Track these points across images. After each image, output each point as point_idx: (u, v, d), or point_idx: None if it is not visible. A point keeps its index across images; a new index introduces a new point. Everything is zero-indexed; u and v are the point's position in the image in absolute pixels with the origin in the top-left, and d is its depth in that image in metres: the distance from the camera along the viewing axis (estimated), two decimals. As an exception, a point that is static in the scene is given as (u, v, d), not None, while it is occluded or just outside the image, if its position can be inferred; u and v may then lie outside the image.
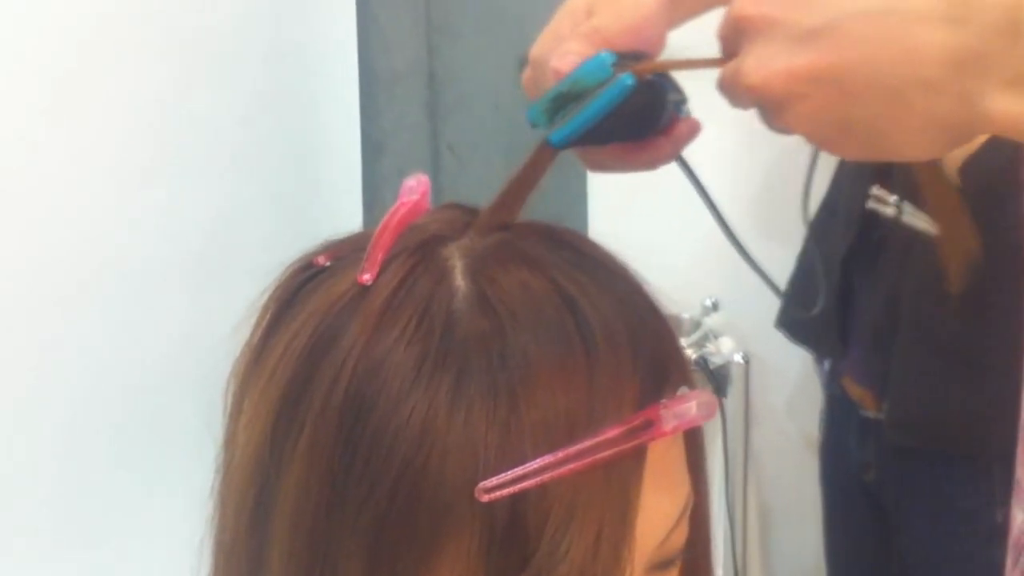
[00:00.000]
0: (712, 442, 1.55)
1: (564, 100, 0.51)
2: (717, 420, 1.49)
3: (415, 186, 0.50)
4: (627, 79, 0.49)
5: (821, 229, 1.47)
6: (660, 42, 0.53)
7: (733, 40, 0.49)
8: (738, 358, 1.48)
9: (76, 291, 1.23)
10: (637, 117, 0.52)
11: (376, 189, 2.45)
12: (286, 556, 0.43)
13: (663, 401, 0.43)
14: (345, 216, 1.99)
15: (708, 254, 1.71)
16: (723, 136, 1.76)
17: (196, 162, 1.54)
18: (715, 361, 1.50)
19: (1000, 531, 1.34)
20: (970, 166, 1.21)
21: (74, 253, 1.23)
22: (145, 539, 1.29)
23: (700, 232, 1.70)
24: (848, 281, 1.40)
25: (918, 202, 1.30)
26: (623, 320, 0.44)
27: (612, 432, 0.41)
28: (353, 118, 2.18)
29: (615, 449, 0.41)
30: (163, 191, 1.45)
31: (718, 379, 1.47)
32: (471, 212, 0.49)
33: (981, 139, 1.20)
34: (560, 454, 0.40)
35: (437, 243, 0.46)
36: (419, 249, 0.45)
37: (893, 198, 1.32)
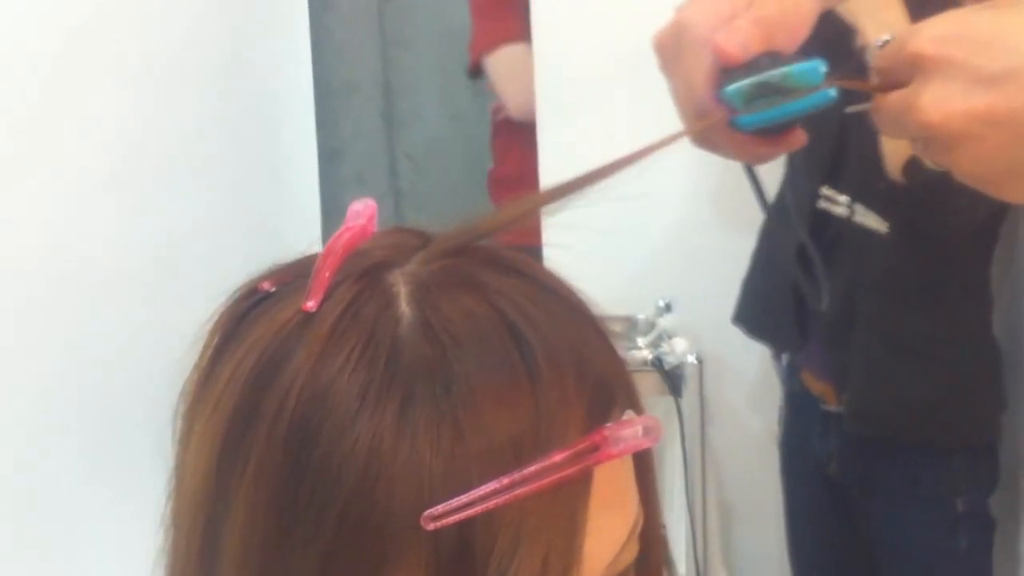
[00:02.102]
0: (670, 443, 1.55)
1: (766, 90, 0.52)
2: (674, 421, 1.49)
3: (362, 210, 0.49)
4: (831, 93, 0.51)
5: (774, 227, 1.47)
6: (804, 38, 0.56)
7: (903, 73, 0.51)
8: (692, 359, 1.48)
9: (35, 299, 1.22)
10: (805, 119, 0.54)
11: (334, 196, 2.44)
12: None
13: (609, 425, 0.43)
14: (303, 223, 1.98)
15: (661, 255, 1.72)
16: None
17: (153, 173, 1.52)
18: (670, 361, 1.50)
19: (962, 519, 1.37)
20: (912, 165, 1.23)
21: (35, 261, 1.22)
22: (103, 552, 1.28)
23: (653, 234, 1.72)
24: (804, 276, 1.40)
25: (868, 202, 1.31)
26: (569, 345, 0.43)
27: (558, 457, 0.41)
28: (309, 128, 2.16)
29: (561, 473, 0.41)
30: (121, 202, 1.43)
31: (673, 379, 1.47)
32: (418, 236, 0.48)
33: None
34: (506, 480, 0.40)
35: (382, 269, 0.45)
36: (364, 275, 0.45)
37: (844, 198, 1.33)
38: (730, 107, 0.54)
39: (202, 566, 0.44)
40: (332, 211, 2.24)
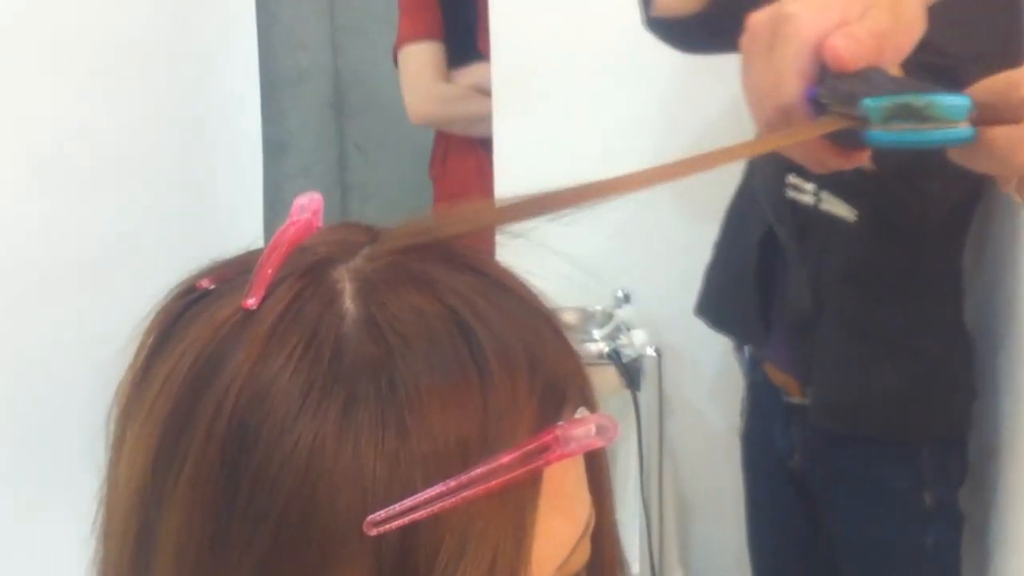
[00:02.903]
0: (627, 436, 1.55)
1: (906, 112, 0.52)
2: (631, 415, 1.49)
3: (307, 204, 0.47)
4: (971, 133, 0.52)
5: (738, 216, 1.47)
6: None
7: (1013, 111, 0.53)
8: (650, 351, 1.48)
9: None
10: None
11: (278, 189, 2.41)
12: None
13: (560, 424, 0.42)
14: (245, 216, 1.96)
15: (619, 246, 1.71)
16: (646, 118, 1.78)
17: (89, 168, 1.49)
18: (627, 354, 1.50)
19: (930, 514, 1.37)
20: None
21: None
22: (30, 558, 1.25)
23: (611, 224, 1.71)
24: (767, 267, 1.41)
25: (835, 189, 1.31)
26: (521, 343, 0.42)
27: (507, 458, 0.40)
28: (254, 119, 2.13)
29: (510, 475, 0.40)
30: (57, 197, 1.40)
31: (631, 373, 1.47)
32: (365, 232, 0.46)
33: None
34: (452, 483, 0.39)
35: (327, 265, 0.43)
36: (308, 272, 0.43)
37: (810, 186, 1.33)
38: (863, 118, 0.54)
39: (134, 574, 0.43)
40: (276, 206, 2.21)
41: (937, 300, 1.32)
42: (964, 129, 0.53)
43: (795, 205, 1.34)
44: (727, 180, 1.49)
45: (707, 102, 1.67)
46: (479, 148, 1.91)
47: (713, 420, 1.71)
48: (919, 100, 0.52)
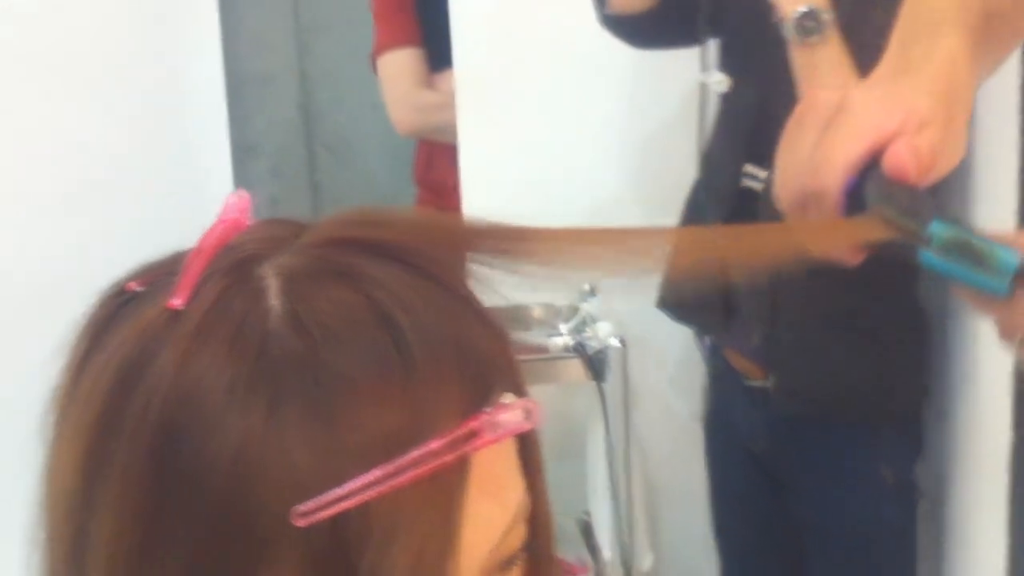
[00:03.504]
0: (594, 427, 1.56)
1: (965, 248, 0.56)
2: (597, 405, 1.50)
3: (236, 203, 0.48)
4: (1006, 289, 0.55)
5: (695, 209, 1.48)
6: None
7: None
8: (614, 342, 1.49)
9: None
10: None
11: (249, 192, 2.39)
12: None
13: (486, 410, 0.42)
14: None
15: (584, 240, 1.72)
16: (611, 111, 1.78)
17: (54, 174, 1.48)
18: (593, 346, 1.51)
19: (890, 491, 1.39)
20: None
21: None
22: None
23: (575, 219, 1.72)
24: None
25: None
26: (446, 332, 0.43)
27: (434, 445, 0.40)
28: (221, 121, 2.12)
29: (437, 463, 0.40)
30: (21, 204, 1.39)
31: (596, 364, 1.48)
32: (292, 227, 0.47)
33: None
34: (379, 472, 0.40)
35: (252, 262, 0.44)
36: (233, 269, 0.44)
37: (765, 174, 1.34)
38: (924, 237, 0.57)
39: None
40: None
41: (892, 281, 1.34)
42: (1003, 284, 0.56)
43: (751, 194, 1.35)
44: (687, 173, 1.50)
45: (668, 102, 1.69)
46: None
47: (678, 407, 1.73)
48: (981, 244, 0.56)
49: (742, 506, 1.52)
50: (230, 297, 0.42)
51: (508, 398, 0.44)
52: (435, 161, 1.96)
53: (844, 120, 0.58)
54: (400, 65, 1.84)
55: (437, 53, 1.86)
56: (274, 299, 0.42)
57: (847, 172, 0.58)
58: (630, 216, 1.70)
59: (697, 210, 1.47)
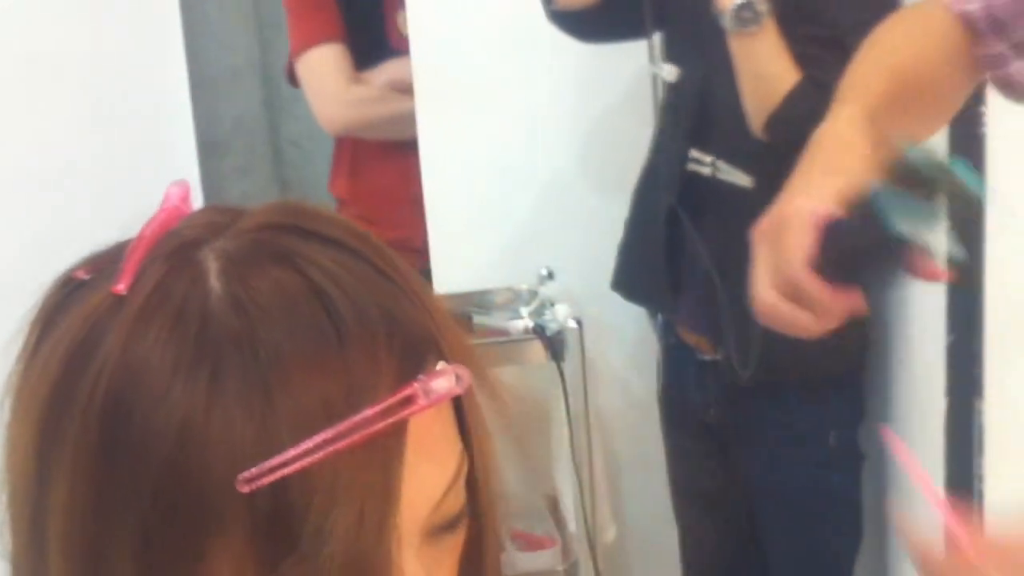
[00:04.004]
0: (556, 405, 1.59)
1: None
2: (558, 384, 1.52)
3: (176, 192, 0.49)
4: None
5: (644, 194, 1.51)
6: None
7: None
8: (571, 323, 1.52)
9: None
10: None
11: (217, 189, 2.40)
12: (63, 565, 0.43)
13: (420, 377, 0.44)
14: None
15: (541, 226, 1.75)
16: (565, 97, 1.80)
17: (17, 175, 1.48)
18: (552, 328, 1.53)
19: (834, 454, 1.43)
20: (774, 119, 1.27)
21: None
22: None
23: (533, 206, 1.74)
24: (674, 238, 1.45)
25: (731, 159, 1.35)
26: (376, 305, 0.45)
27: (370, 412, 0.42)
28: (186, 120, 2.12)
29: (373, 428, 0.42)
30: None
31: (555, 345, 1.50)
32: (230, 213, 0.48)
33: (781, 93, 1.25)
34: (318, 439, 0.41)
35: (192, 247, 0.45)
36: (174, 254, 0.45)
37: (709, 158, 1.37)
38: (877, 213, 0.65)
39: (31, 551, 0.45)
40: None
41: None
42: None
43: (696, 177, 1.38)
44: (638, 157, 1.53)
45: (619, 89, 1.71)
46: (401, 152, 1.78)
47: (634, 384, 1.76)
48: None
49: (698, 475, 1.55)
50: (172, 280, 0.44)
51: (440, 365, 0.46)
52: (362, 166, 1.86)
53: (786, 223, 0.72)
54: (327, 61, 1.74)
55: (366, 48, 1.79)
56: (214, 280, 0.44)
57: (806, 257, 0.69)
58: (584, 198, 1.73)
59: (646, 196, 1.50)
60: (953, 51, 0.82)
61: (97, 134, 1.75)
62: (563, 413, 1.54)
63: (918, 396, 1.40)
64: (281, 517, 0.41)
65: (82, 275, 0.47)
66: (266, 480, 0.40)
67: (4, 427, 0.47)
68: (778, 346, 1.39)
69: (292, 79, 1.87)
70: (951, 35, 0.82)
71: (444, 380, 0.45)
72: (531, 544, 1.65)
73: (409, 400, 0.44)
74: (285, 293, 0.43)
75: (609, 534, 1.65)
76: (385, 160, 1.82)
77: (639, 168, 1.53)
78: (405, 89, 1.71)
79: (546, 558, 1.60)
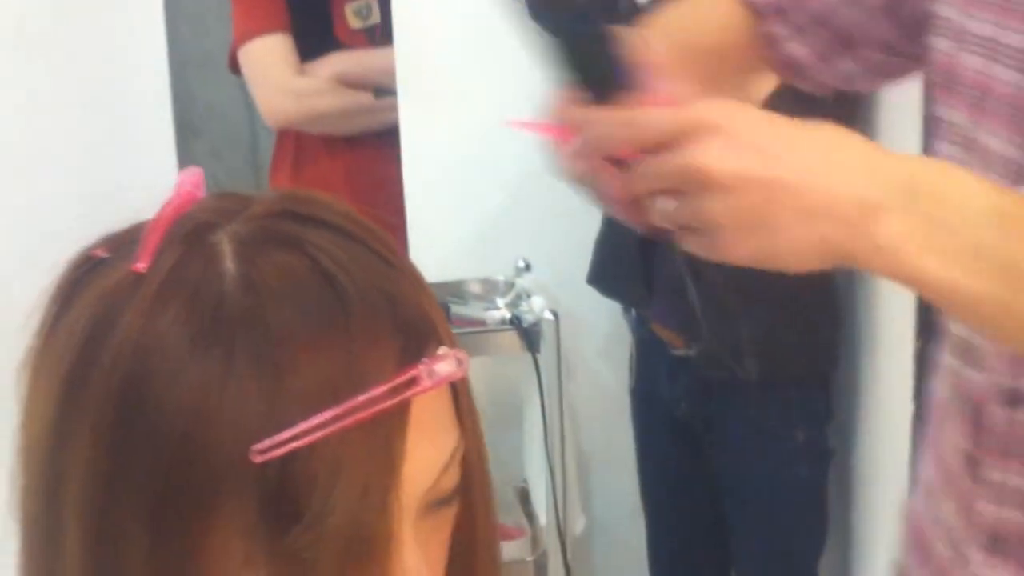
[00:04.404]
0: (529, 398, 1.62)
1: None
2: (533, 376, 1.55)
3: (189, 178, 0.52)
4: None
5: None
6: None
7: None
8: (548, 315, 1.55)
9: None
10: None
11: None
12: (79, 531, 0.45)
13: (424, 360, 0.47)
14: (160, 202, 1.94)
15: (518, 218, 1.77)
16: (542, 91, 1.81)
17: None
18: (528, 319, 1.56)
19: (801, 450, 1.48)
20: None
21: None
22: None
23: (510, 197, 1.77)
24: (647, 240, 1.48)
25: None
26: (380, 290, 0.47)
27: (375, 391, 0.45)
28: (164, 103, 2.12)
29: (378, 407, 0.45)
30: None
31: (531, 337, 1.53)
32: (240, 199, 0.51)
33: (764, 90, 1.28)
34: (326, 415, 0.44)
35: (207, 230, 0.48)
36: (190, 236, 0.48)
37: None
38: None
39: (47, 516, 0.47)
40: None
41: None
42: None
43: None
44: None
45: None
46: (348, 147, 1.75)
47: (606, 377, 1.79)
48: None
49: (666, 468, 1.59)
50: (188, 261, 0.46)
51: (442, 350, 0.49)
52: (305, 160, 1.81)
53: None
54: (271, 51, 1.69)
55: (311, 40, 1.74)
56: (228, 263, 0.46)
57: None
58: (562, 191, 1.75)
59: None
60: (738, 29, 0.84)
61: (75, 113, 1.75)
62: (536, 405, 1.57)
63: (886, 395, 1.45)
64: (289, 488, 0.43)
65: (100, 253, 0.49)
66: (277, 453, 0.43)
67: (21, 399, 0.49)
68: (749, 347, 1.44)
69: (234, 68, 1.82)
70: (735, 14, 0.85)
71: (447, 363, 0.48)
72: (501, 534, 1.68)
73: (412, 381, 0.46)
74: (295, 276, 0.46)
75: (578, 526, 1.68)
76: (330, 155, 1.78)
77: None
78: (351, 83, 1.68)
79: (515, 548, 1.63)
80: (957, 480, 0.75)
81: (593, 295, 1.60)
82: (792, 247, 0.59)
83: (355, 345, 0.45)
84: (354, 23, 1.78)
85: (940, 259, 0.57)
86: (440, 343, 0.49)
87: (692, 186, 0.59)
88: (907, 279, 0.59)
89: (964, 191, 0.59)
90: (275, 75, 1.71)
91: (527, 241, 1.74)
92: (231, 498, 0.44)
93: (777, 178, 0.58)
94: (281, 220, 0.49)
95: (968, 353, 0.73)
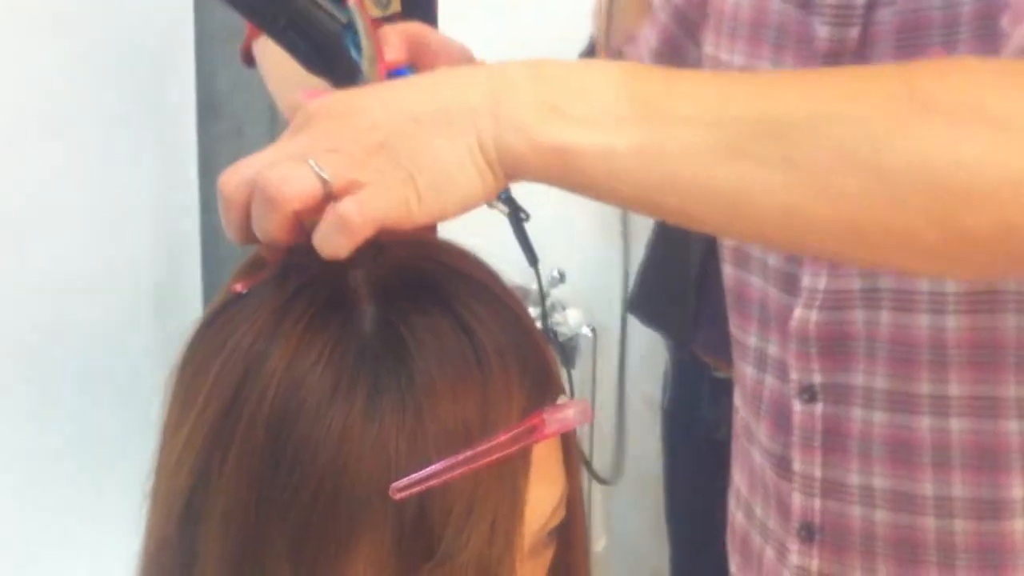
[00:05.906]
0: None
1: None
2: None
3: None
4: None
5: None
6: None
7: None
8: (586, 331, 1.59)
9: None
10: None
11: (212, 152, 2.43)
12: (217, 556, 0.50)
13: (546, 408, 0.53)
14: (179, 180, 1.98)
15: (553, 226, 1.81)
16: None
17: (17, 127, 1.51)
18: (563, 332, 1.60)
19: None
20: None
21: None
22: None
23: (545, 205, 1.81)
24: (704, 269, 1.51)
25: None
26: (511, 342, 0.53)
27: (503, 437, 0.50)
28: (188, 79, 2.16)
29: (505, 451, 0.50)
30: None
31: (566, 351, 1.57)
32: (373, 241, 0.56)
33: None
34: (460, 457, 0.49)
35: (343, 270, 0.53)
36: (328, 277, 0.52)
37: None
38: None
39: (182, 540, 0.52)
40: (209, 168, 2.24)
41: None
42: None
43: None
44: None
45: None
46: None
47: (633, 394, 1.83)
48: None
49: (696, 491, 1.63)
50: (331, 305, 0.52)
51: (562, 399, 0.54)
52: None
53: None
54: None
55: None
56: (368, 307, 0.52)
57: None
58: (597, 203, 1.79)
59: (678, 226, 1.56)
60: None
61: (96, 87, 1.77)
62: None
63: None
64: (423, 524, 0.49)
65: (240, 289, 0.54)
66: (415, 490, 0.48)
67: (166, 428, 0.54)
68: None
69: (248, 61, 1.89)
70: None
71: (571, 411, 0.53)
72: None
73: (534, 428, 0.52)
74: (434, 322, 0.51)
75: (599, 544, 1.73)
76: None
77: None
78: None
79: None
80: (768, 479, 0.86)
81: (619, 308, 1.63)
82: (442, 167, 0.52)
83: (488, 394, 0.51)
84: (373, 12, 1.81)
85: (584, 127, 0.52)
86: (560, 392, 0.54)
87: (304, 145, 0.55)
88: (560, 158, 0.53)
89: (585, 63, 0.56)
90: (291, 67, 1.76)
91: (563, 249, 1.77)
92: (369, 533, 0.49)
93: (396, 103, 0.53)
94: (416, 264, 0.54)
95: (762, 361, 0.86)
